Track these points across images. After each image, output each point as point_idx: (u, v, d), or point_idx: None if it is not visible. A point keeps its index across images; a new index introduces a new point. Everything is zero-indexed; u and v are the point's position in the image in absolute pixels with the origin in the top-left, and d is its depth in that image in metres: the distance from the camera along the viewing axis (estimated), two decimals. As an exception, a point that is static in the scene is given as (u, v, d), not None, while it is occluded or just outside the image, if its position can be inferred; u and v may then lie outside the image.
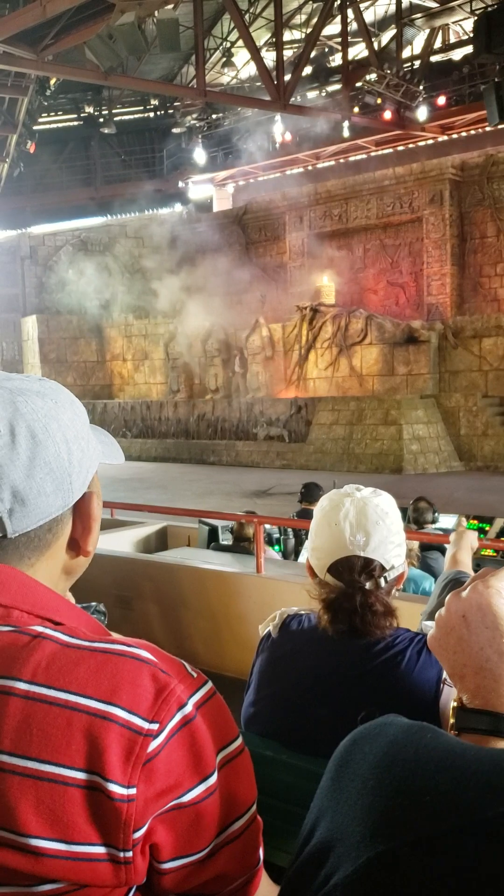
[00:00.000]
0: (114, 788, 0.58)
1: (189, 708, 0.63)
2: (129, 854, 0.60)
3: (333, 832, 0.41)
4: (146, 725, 0.60)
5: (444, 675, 1.16)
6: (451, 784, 0.37)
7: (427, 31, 19.87)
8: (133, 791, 0.59)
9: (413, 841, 0.36)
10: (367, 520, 1.21)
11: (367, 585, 1.20)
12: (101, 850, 0.59)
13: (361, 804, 0.40)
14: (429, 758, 0.39)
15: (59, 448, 0.69)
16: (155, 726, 0.61)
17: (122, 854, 0.59)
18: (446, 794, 0.36)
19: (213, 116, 22.52)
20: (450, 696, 1.14)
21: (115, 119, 23.25)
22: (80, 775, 0.59)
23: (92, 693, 0.61)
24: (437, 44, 20.50)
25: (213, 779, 0.62)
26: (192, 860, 0.63)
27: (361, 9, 17.34)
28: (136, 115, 24.48)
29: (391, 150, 21.04)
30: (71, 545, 0.74)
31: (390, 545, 1.22)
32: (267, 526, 4.95)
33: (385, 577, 1.21)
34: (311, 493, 5.63)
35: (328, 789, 0.44)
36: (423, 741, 0.40)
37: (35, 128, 19.34)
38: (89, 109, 23.70)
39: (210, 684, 0.66)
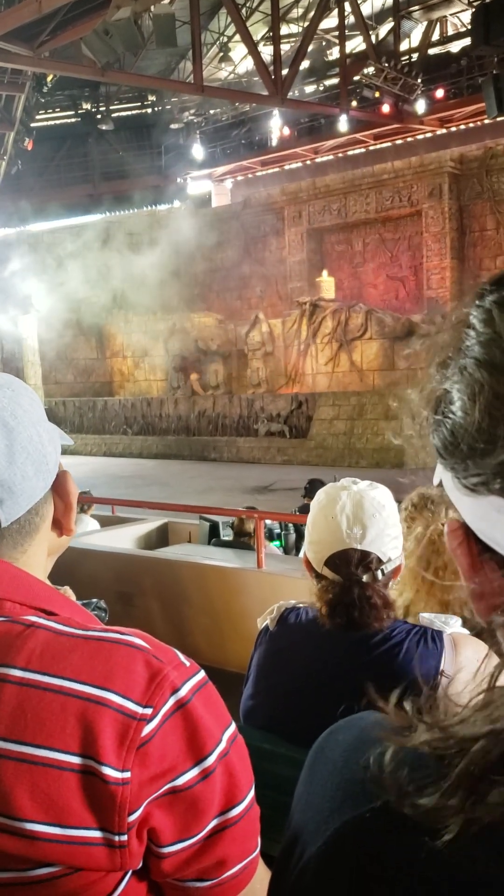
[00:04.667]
0: (108, 772, 0.59)
1: (182, 693, 0.64)
2: (124, 838, 0.60)
3: (307, 813, 0.43)
4: (140, 710, 0.61)
5: (443, 666, 1.16)
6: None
7: (425, 23, 19.79)
8: (127, 775, 0.60)
9: (375, 807, 0.37)
10: (364, 512, 1.21)
11: (365, 578, 1.20)
12: (96, 833, 0.60)
13: (331, 783, 0.42)
14: None
15: (31, 431, 0.72)
16: (149, 711, 0.61)
17: (116, 838, 0.60)
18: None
19: (211, 112, 22.46)
20: (447, 688, 1.14)
21: (113, 115, 23.21)
22: (75, 759, 0.59)
23: (86, 679, 0.61)
24: (435, 36, 20.42)
25: (209, 762, 0.63)
26: (191, 843, 0.63)
27: (359, 2, 17.28)
28: (134, 112, 24.43)
29: (390, 144, 20.97)
30: (55, 524, 0.77)
31: (387, 538, 1.23)
32: (268, 521, 4.95)
33: (382, 570, 1.22)
34: (315, 489, 5.60)
35: (304, 777, 0.46)
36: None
37: (32, 125, 19.30)
38: (87, 106, 23.66)
39: (203, 673, 0.67)
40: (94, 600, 3.06)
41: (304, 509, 5.39)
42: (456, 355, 0.39)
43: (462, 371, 0.38)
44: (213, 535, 5.05)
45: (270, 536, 5.12)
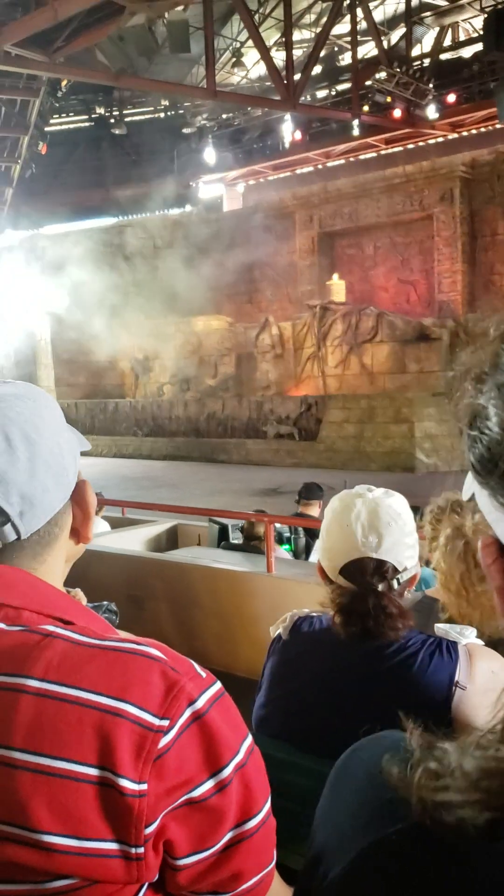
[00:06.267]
0: (125, 784, 0.59)
1: (199, 704, 0.63)
2: (141, 850, 0.60)
3: (330, 832, 0.42)
4: (157, 722, 0.61)
5: (457, 677, 1.15)
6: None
7: (436, 29, 19.79)
8: (144, 787, 0.60)
9: (401, 829, 0.37)
10: (380, 521, 1.20)
11: (380, 587, 1.19)
12: (113, 846, 0.59)
13: (354, 802, 0.42)
14: None
15: (51, 444, 0.73)
16: (165, 722, 0.61)
17: (133, 850, 0.60)
18: None
19: (224, 116, 22.53)
20: (461, 700, 1.14)
21: (126, 120, 23.33)
22: (92, 771, 0.59)
23: (103, 690, 0.61)
24: (447, 42, 20.41)
25: (225, 774, 0.63)
26: (206, 856, 0.63)
27: (371, 7, 17.29)
28: (147, 116, 24.53)
29: (401, 149, 20.94)
30: (73, 533, 0.77)
31: (403, 546, 1.21)
32: (277, 525, 4.93)
33: (398, 579, 1.21)
34: (310, 493, 5.46)
35: (327, 795, 0.46)
36: None
37: (47, 129, 19.43)
38: (100, 111, 23.80)
39: (219, 684, 0.67)
40: (105, 603, 3.06)
41: (298, 517, 5.30)
42: (493, 371, 0.39)
43: (500, 388, 0.38)
44: (222, 538, 5.04)
45: (280, 539, 5.10)
